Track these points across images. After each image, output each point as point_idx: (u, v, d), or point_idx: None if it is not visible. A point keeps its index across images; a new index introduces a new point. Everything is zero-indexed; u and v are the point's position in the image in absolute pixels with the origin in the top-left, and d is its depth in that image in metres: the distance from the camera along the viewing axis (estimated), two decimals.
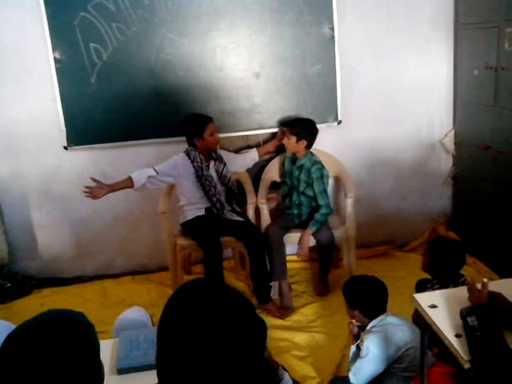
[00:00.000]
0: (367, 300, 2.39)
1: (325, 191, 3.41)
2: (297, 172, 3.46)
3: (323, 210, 3.38)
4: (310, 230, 3.34)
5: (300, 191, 3.47)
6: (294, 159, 3.51)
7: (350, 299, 2.46)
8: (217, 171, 3.41)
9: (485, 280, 1.88)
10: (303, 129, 3.39)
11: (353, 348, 2.39)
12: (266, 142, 3.79)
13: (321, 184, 3.38)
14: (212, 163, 3.41)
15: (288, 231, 3.45)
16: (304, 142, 3.38)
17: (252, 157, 3.65)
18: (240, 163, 3.63)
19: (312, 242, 3.39)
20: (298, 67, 3.64)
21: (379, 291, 2.41)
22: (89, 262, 3.99)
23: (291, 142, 3.40)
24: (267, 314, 3.31)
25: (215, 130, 3.36)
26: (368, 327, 2.37)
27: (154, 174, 3.29)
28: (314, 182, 3.38)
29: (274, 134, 3.75)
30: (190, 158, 3.33)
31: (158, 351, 1.07)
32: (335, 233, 3.42)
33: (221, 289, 1.09)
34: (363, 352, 2.27)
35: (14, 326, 1.86)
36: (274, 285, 3.46)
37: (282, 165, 3.65)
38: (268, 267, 3.38)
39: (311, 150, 3.48)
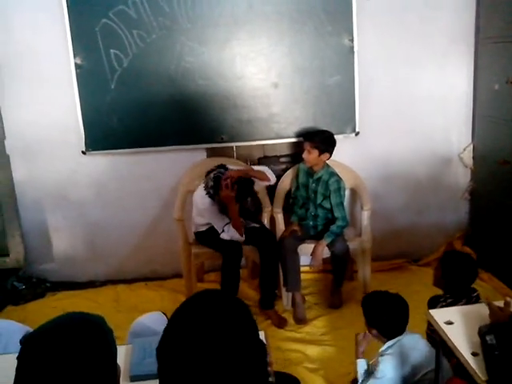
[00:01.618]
0: (387, 320, 2.29)
1: (341, 203, 3.39)
2: (313, 185, 3.43)
3: (339, 223, 3.36)
4: (325, 241, 3.32)
5: (317, 203, 3.44)
6: (309, 172, 3.48)
7: (369, 316, 2.37)
8: None
9: (508, 299, 1.85)
10: (325, 142, 3.36)
11: (362, 363, 2.33)
12: (282, 154, 3.79)
13: (338, 196, 3.37)
14: None
15: (303, 242, 3.44)
16: (326, 155, 3.36)
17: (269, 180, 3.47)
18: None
19: (326, 253, 3.37)
20: (317, 78, 3.64)
21: (401, 311, 2.29)
22: (102, 266, 4.01)
23: (313, 156, 3.34)
24: (266, 319, 3.36)
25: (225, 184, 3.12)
26: (384, 347, 2.29)
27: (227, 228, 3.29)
28: (332, 194, 3.36)
29: (291, 144, 3.73)
30: (212, 198, 3.22)
31: (159, 363, 1.06)
32: (350, 245, 3.40)
33: (228, 305, 1.08)
34: (378, 374, 2.20)
35: (28, 328, 1.87)
36: (288, 295, 3.45)
37: (296, 177, 3.60)
38: (279, 275, 3.40)
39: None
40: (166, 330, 1.06)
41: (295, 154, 3.64)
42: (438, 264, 2.55)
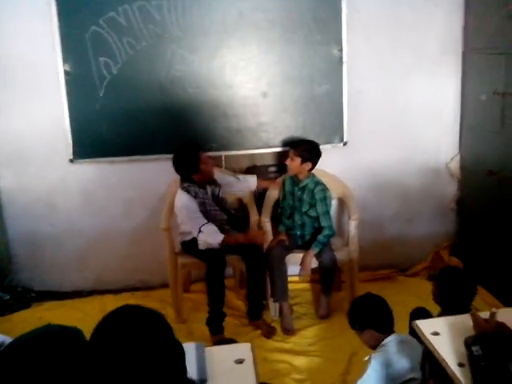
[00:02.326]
0: (376, 314, 2.30)
1: (327, 212, 3.40)
2: (299, 193, 3.44)
3: (326, 232, 3.37)
4: (313, 251, 3.32)
5: (303, 211, 3.45)
6: (294, 180, 3.48)
7: (360, 321, 2.37)
8: (213, 194, 3.35)
9: (494, 310, 1.85)
10: (309, 151, 3.37)
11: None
12: (271, 163, 3.81)
13: (324, 205, 3.38)
14: (208, 188, 3.35)
15: (291, 251, 3.43)
16: (309, 165, 3.37)
17: (249, 186, 3.58)
18: (236, 188, 3.57)
19: (314, 263, 3.37)
20: (306, 87, 3.65)
21: (381, 303, 2.33)
22: (89, 275, 3.97)
23: (295, 164, 3.37)
24: (254, 330, 3.35)
25: (207, 157, 3.28)
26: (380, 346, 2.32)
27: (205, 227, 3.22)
28: (317, 203, 3.38)
29: (279, 154, 3.73)
30: (191, 194, 3.23)
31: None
32: (338, 255, 3.40)
33: (143, 314, 1.24)
34: (369, 370, 2.23)
35: (4, 338, 1.85)
36: (275, 306, 3.43)
37: (283, 185, 3.59)
38: (267, 286, 3.39)
39: (314, 170, 3.46)
40: (90, 340, 1.17)
41: (284, 164, 3.63)
42: (434, 282, 2.51)
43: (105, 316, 1.21)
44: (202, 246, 3.22)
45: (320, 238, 3.35)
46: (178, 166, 3.23)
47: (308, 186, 3.41)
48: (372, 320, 2.31)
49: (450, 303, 2.37)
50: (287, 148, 3.58)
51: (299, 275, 3.39)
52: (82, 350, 1.19)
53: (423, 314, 2.48)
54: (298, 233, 3.51)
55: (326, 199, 3.39)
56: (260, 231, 3.47)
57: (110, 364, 1.12)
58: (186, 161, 3.21)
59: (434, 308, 2.52)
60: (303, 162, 3.35)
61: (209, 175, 3.29)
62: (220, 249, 3.24)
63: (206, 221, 3.22)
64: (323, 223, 3.38)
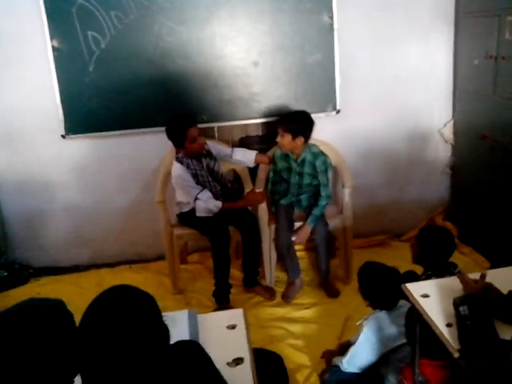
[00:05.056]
0: (378, 292, 2.38)
1: (328, 183, 3.35)
2: (298, 168, 3.32)
3: (323, 202, 3.31)
4: (309, 226, 3.29)
5: (305, 184, 3.35)
6: (287, 156, 3.33)
7: (363, 287, 2.47)
8: (208, 167, 3.33)
9: (484, 271, 1.89)
10: (298, 124, 3.19)
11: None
12: (263, 133, 3.79)
13: (325, 177, 3.31)
14: (203, 160, 3.32)
15: (293, 226, 3.41)
16: (301, 139, 3.19)
17: (248, 161, 3.53)
18: (233, 160, 3.54)
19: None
20: (297, 56, 3.62)
21: (393, 285, 2.29)
22: (86, 251, 4.01)
23: (287, 140, 3.19)
24: (252, 297, 3.43)
25: (198, 134, 3.18)
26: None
27: (201, 194, 3.23)
28: (319, 175, 3.29)
29: (272, 123, 3.70)
30: (184, 165, 3.22)
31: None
32: (332, 222, 3.41)
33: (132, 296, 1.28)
34: (361, 336, 2.32)
35: None
36: (271, 273, 3.52)
37: (274, 164, 3.46)
38: (261, 253, 3.48)
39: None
40: (80, 322, 1.22)
41: (277, 133, 3.62)
42: (414, 241, 2.55)
43: (97, 296, 1.26)
44: (200, 212, 3.23)
45: (316, 212, 3.29)
46: (169, 137, 3.24)
47: (307, 159, 3.28)
48: (371, 294, 2.42)
49: (432, 261, 2.40)
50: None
51: (294, 241, 3.36)
52: (64, 321, 1.21)
53: (412, 276, 2.51)
54: (294, 199, 3.44)
55: (327, 171, 3.30)
56: (257, 192, 3.45)
57: (94, 341, 1.17)
58: (173, 135, 3.20)
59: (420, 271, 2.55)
60: (294, 137, 3.17)
61: (195, 152, 3.22)
62: (222, 221, 3.27)
63: (201, 188, 3.23)
64: (323, 193, 3.32)
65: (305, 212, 3.41)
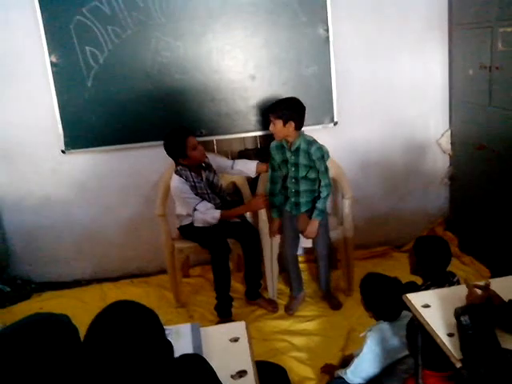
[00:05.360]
0: (381, 304, 2.38)
1: (326, 170, 3.24)
2: (293, 158, 3.22)
3: (324, 193, 3.22)
4: (316, 219, 3.24)
5: (300, 177, 3.24)
6: (284, 146, 3.25)
7: (366, 299, 2.47)
8: (207, 180, 3.35)
9: (488, 281, 1.89)
10: (288, 109, 3.11)
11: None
12: (262, 146, 3.80)
13: (322, 163, 3.20)
14: (203, 173, 3.34)
15: (298, 239, 3.42)
16: (292, 124, 3.09)
17: (250, 169, 3.52)
18: (234, 171, 3.56)
19: (309, 243, 3.39)
20: (294, 69, 3.65)
21: (395, 296, 2.28)
22: (87, 265, 4.01)
23: (278, 127, 3.11)
24: (258, 307, 3.44)
25: (196, 143, 3.23)
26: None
27: (200, 205, 3.25)
28: (316, 163, 3.19)
29: (271, 136, 3.70)
30: (183, 178, 3.24)
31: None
32: (333, 234, 3.42)
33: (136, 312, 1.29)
34: (365, 349, 2.31)
35: None
36: (273, 286, 3.52)
37: (271, 159, 3.36)
38: (263, 265, 3.49)
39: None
40: (85, 337, 1.23)
41: None
42: (411, 252, 2.55)
43: (100, 311, 1.27)
44: (197, 223, 3.25)
45: (319, 204, 3.22)
46: (168, 151, 3.25)
47: (301, 148, 3.18)
48: (374, 305, 2.42)
49: (430, 270, 2.41)
50: None
51: (304, 236, 3.32)
52: (70, 336, 1.22)
53: (413, 287, 2.51)
54: (293, 200, 3.33)
55: (323, 157, 3.20)
56: (258, 197, 3.42)
57: (99, 357, 1.18)
58: (173, 146, 3.21)
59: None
60: (285, 122, 3.09)
61: (197, 160, 3.27)
62: (221, 233, 3.28)
63: (200, 199, 3.24)
64: (323, 182, 3.23)
65: (306, 213, 3.34)
